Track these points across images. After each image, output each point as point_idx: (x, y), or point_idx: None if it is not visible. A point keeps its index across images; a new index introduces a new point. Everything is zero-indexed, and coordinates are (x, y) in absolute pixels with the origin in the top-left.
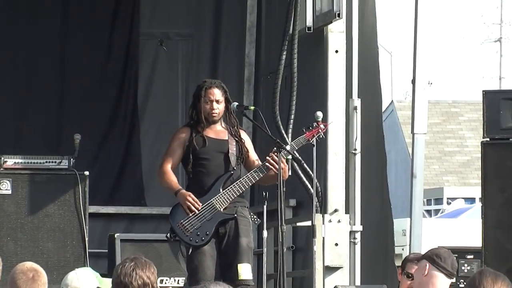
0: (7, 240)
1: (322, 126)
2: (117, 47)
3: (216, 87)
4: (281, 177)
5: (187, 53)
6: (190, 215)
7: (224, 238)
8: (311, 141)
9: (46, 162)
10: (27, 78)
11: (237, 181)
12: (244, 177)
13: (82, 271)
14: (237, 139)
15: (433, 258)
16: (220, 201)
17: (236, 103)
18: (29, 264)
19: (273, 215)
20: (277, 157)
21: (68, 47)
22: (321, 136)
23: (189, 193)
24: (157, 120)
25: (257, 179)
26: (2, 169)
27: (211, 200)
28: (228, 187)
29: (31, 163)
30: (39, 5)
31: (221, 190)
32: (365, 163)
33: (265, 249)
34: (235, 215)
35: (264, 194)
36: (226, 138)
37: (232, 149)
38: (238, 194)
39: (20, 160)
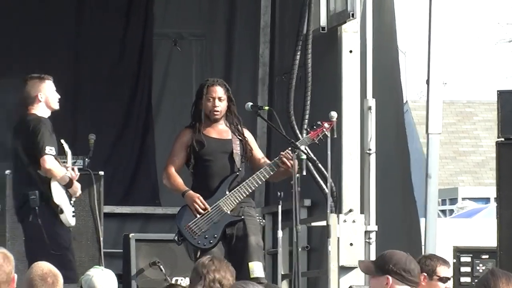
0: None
1: (326, 125)
2: (131, 47)
3: (218, 84)
4: (295, 177)
5: (201, 53)
6: (198, 217)
7: (232, 239)
8: (316, 141)
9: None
10: None
11: (244, 182)
12: (254, 176)
13: (107, 271)
14: (240, 137)
15: (402, 274)
16: (227, 203)
17: (251, 103)
18: (46, 268)
19: (288, 215)
20: (291, 156)
21: (82, 47)
22: (327, 135)
23: (197, 194)
24: (171, 120)
25: (267, 177)
26: None
27: (218, 202)
28: (235, 189)
29: None
30: (53, 5)
31: (227, 192)
32: (387, 162)
33: (280, 249)
34: (242, 216)
35: (279, 194)
36: (230, 137)
37: (236, 148)
38: (245, 195)
39: None
